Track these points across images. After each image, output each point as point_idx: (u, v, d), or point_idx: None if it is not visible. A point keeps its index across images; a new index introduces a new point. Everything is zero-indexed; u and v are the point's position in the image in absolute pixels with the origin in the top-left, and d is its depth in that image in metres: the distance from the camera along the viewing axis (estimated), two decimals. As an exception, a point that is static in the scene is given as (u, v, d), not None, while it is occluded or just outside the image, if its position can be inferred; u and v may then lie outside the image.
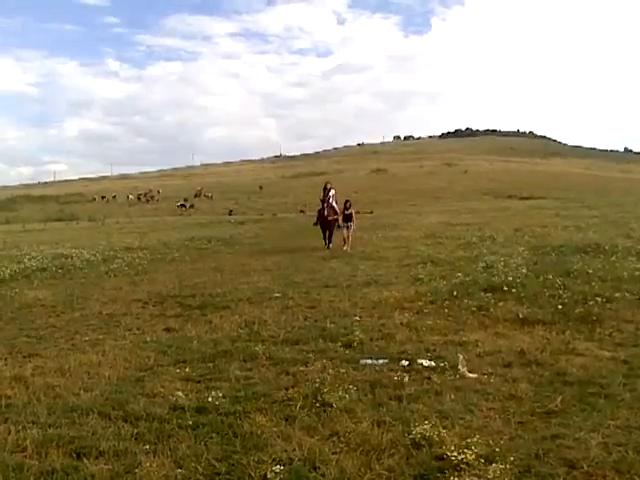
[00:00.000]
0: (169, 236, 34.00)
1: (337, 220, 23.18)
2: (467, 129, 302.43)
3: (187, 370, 7.69)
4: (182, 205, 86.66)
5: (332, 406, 6.10)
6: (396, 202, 70.86)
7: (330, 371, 7.24)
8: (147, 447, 5.36)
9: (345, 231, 22.76)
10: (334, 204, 23.46)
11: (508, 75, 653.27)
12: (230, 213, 73.15)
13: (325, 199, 23.33)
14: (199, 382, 7.24)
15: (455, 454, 4.80)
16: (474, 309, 10.35)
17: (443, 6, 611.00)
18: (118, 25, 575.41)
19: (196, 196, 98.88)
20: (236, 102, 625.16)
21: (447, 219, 36.33)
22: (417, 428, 5.32)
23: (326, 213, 22.99)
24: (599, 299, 10.20)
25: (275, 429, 5.63)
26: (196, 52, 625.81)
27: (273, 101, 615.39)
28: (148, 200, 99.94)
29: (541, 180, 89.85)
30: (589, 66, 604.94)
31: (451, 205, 58.27)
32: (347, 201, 23.42)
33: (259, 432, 5.55)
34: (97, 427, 5.80)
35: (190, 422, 5.83)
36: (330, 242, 23.24)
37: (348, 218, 22.92)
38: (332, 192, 23.65)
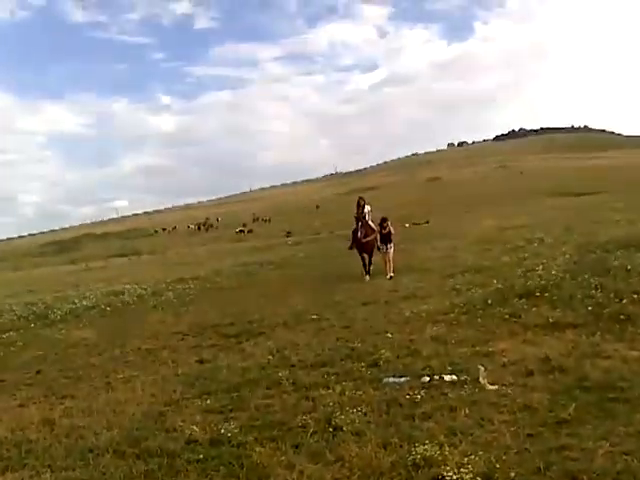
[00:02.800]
0: (223, 263, 34.27)
1: (376, 239, 19.92)
2: (521, 129, 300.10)
3: (210, 402, 7.75)
4: (241, 231, 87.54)
5: (342, 430, 6.05)
6: (452, 210, 69.87)
7: (347, 393, 7.18)
8: (153, 484, 5.41)
9: (385, 255, 19.57)
10: (371, 222, 20.37)
11: (557, 71, 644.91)
12: (288, 234, 73.55)
13: (360, 217, 20.18)
14: (221, 413, 7.29)
15: (451, 474, 4.71)
16: (506, 317, 10.14)
17: (484, 9, 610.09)
18: (166, 60, 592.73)
19: (255, 221, 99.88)
20: (288, 124, 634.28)
21: (500, 223, 35.63)
22: (418, 448, 5.23)
23: (360, 235, 19.78)
24: (635, 296, 9.81)
25: (283, 458, 5.61)
26: (244, 79, 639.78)
27: (324, 120, 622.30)
28: (207, 229, 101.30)
29: (599, 174, 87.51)
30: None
31: (506, 208, 57.19)
32: (384, 219, 20.09)
33: (265, 462, 5.53)
34: (110, 467, 5.89)
35: (201, 455, 5.88)
36: (370, 268, 19.84)
37: (386, 238, 19.68)
38: (367, 208, 20.52)
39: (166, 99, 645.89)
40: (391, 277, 18.51)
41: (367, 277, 19.42)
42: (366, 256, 19.94)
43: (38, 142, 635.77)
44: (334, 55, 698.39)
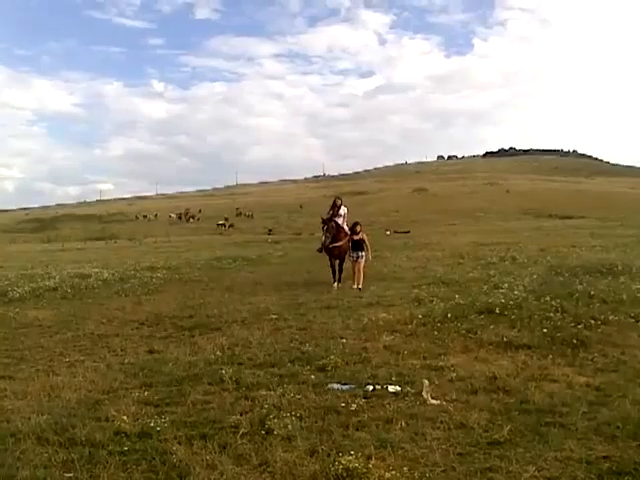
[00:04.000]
0: (198, 255, 34.11)
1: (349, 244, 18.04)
2: (510, 149, 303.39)
3: (148, 393, 7.53)
4: (222, 224, 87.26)
5: (274, 433, 5.89)
6: (435, 222, 70.44)
7: (287, 396, 7.01)
8: (70, 475, 5.21)
9: (354, 264, 17.79)
10: (345, 226, 18.60)
11: (551, 94, 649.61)
12: (270, 232, 73.50)
13: (333, 219, 18.52)
14: (157, 406, 7.08)
15: (369, 488, 4.57)
16: (463, 332, 10.02)
17: (484, 27, 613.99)
18: (163, 46, 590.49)
19: (237, 215, 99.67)
20: (279, 122, 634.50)
21: (479, 239, 35.92)
22: (343, 458, 5.08)
23: (326, 241, 18.33)
24: (593, 322, 9.83)
25: (208, 457, 5.43)
26: (240, 73, 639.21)
27: (316, 121, 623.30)
28: (189, 219, 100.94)
29: (584, 199, 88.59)
30: (634, 84, 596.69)
31: (489, 225, 57.67)
32: (356, 223, 18.11)
33: (187, 460, 5.36)
34: (28, 453, 5.66)
35: (125, 448, 5.67)
36: (340, 276, 18.42)
37: (357, 246, 17.84)
38: (344, 210, 18.89)
39: (159, 86, 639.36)
40: (359, 289, 17.04)
41: (335, 285, 18.04)
42: (336, 262, 18.52)
43: (25, 117, 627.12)
44: (332, 58, 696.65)
